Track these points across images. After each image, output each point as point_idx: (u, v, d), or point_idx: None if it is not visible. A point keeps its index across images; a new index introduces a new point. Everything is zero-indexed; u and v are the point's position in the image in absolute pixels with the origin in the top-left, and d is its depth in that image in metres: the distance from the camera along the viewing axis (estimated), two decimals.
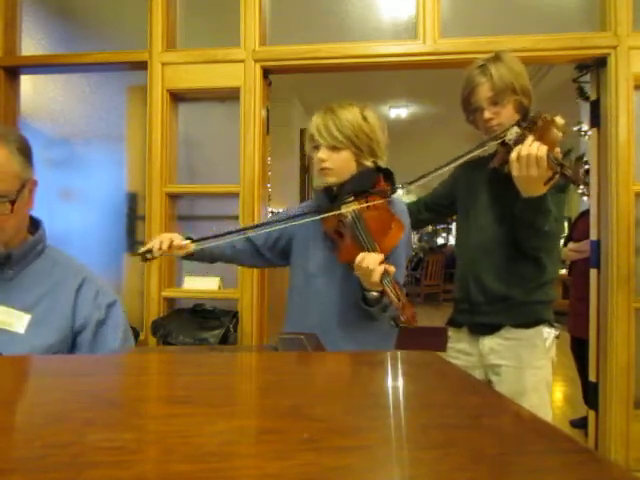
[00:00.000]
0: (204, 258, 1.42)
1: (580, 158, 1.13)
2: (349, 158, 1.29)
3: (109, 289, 1.07)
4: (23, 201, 0.96)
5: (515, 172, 1.19)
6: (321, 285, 1.33)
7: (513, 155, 1.19)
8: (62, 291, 0.99)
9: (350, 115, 1.28)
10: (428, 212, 1.66)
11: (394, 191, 1.31)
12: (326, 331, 1.23)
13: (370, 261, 1.08)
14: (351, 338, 1.30)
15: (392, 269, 1.09)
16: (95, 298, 1.01)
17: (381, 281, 1.06)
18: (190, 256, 1.38)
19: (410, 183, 1.33)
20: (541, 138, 1.18)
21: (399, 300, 1.02)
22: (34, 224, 1.05)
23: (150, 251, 1.29)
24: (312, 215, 1.31)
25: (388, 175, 1.33)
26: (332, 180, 1.31)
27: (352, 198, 1.26)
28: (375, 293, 1.15)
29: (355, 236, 1.18)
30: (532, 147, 1.15)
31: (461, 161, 1.37)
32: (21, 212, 0.97)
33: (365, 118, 1.29)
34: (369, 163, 1.31)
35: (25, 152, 0.96)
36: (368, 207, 1.23)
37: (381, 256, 1.09)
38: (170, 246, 1.29)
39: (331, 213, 1.25)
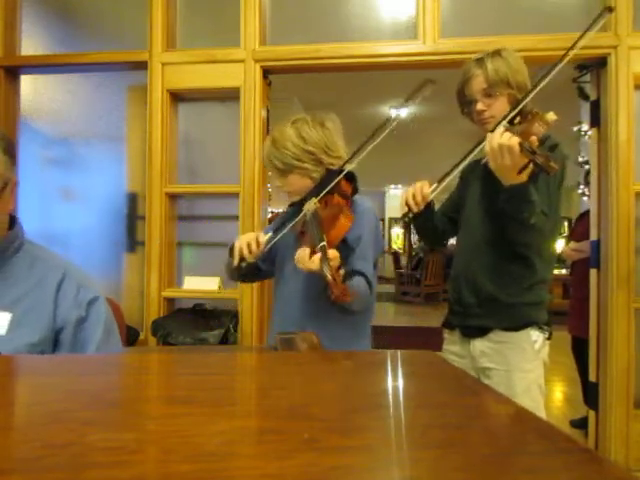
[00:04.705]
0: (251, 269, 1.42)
1: (554, 147, 1.14)
2: (298, 178, 1.36)
3: (91, 284, 1.04)
4: (4, 200, 0.95)
5: (491, 162, 1.20)
6: (294, 285, 1.38)
7: (487, 147, 1.20)
8: (42, 289, 0.97)
9: (287, 142, 1.32)
10: (449, 224, 1.59)
11: (355, 191, 1.35)
12: (303, 329, 1.26)
13: (300, 255, 1.15)
14: (327, 334, 1.32)
15: (333, 255, 1.12)
16: (76, 295, 0.99)
17: (321, 267, 1.11)
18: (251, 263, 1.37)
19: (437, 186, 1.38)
20: (523, 129, 1.20)
21: (334, 280, 1.09)
22: (10, 220, 1.03)
23: (243, 259, 1.30)
24: (291, 221, 1.37)
25: (351, 178, 1.36)
26: (296, 198, 1.39)
27: (314, 199, 1.31)
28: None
29: (309, 231, 1.24)
30: (503, 137, 1.16)
31: (466, 162, 1.37)
32: (2, 211, 0.96)
33: (303, 138, 1.32)
34: (317, 175, 1.35)
35: (10, 152, 0.95)
36: (326, 205, 1.29)
37: (307, 250, 1.15)
38: (258, 244, 1.30)
39: (297, 219, 1.32)
